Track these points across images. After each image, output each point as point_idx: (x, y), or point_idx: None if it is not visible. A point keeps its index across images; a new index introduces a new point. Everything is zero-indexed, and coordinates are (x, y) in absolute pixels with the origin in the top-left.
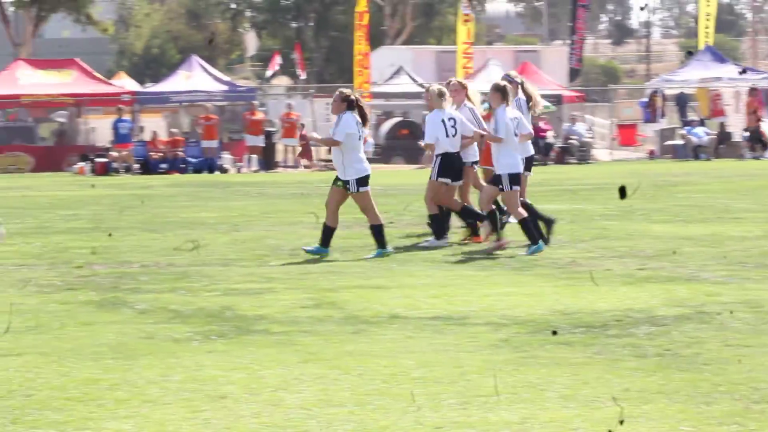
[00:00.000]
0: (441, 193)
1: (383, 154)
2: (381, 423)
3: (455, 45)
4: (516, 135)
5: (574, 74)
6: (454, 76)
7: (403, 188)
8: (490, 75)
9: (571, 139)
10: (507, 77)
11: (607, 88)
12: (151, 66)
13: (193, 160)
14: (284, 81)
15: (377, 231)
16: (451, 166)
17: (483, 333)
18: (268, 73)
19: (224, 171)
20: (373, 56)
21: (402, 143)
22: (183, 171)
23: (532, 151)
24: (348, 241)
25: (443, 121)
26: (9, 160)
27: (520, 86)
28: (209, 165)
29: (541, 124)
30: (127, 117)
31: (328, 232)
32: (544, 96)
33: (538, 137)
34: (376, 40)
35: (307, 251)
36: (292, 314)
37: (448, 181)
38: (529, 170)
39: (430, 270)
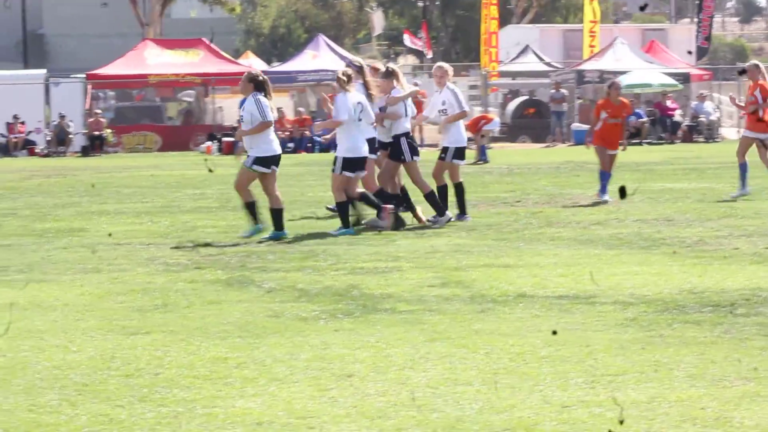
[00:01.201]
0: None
1: (509, 132)
2: (508, 402)
3: (582, 24)
4: (360, 120)
5: (701, 53)
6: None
7: (530, 167)
8: (616, 53)
9: (699, 117)
10: (348, 62)
11: (734, 66)
12: (278, 45)
13: (320, 139)
14: (410, 60)
15: (276, 213)
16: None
17: (610, 312)
18: (429, 54)
19: None
20: (499, 35)
21: (528, 122)
22: (310, 150)
23: (374, 134)
24: (475, 220)
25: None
26: (137, 140)
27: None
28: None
29: (669, 103)
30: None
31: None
32: (671, 74)
33: (665, 115)
34: (502, 18)
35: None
36: (419, 293)
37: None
38: (375, 153)
39: (557, 249)
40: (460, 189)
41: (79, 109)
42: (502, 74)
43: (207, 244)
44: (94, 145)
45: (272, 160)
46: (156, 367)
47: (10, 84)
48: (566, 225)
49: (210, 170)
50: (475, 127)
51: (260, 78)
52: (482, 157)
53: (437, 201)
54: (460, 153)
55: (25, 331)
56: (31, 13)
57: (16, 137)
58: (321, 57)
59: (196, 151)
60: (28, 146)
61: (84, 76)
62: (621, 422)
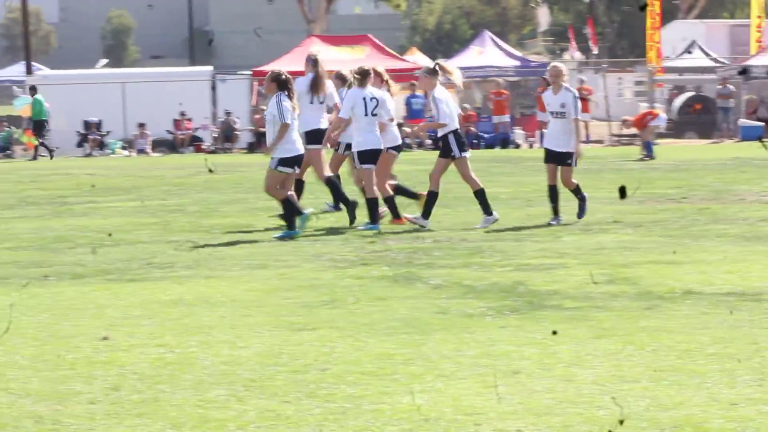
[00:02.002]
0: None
1: (676, 128)
2: (675, 399)
3: (749, 19)
4: (375, 115)
5: None
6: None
7: (696, 163)
8: None
9: None
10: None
11: None
12: (443, 41)
13: (486, 135)
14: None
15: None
16: None
17: None
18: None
19: (516, 146)
20: (665, 31)
21: (695, 118)
22: (475, 146)
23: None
24: (641, 216)
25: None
26: None
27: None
28: (502, 140)
29: None
30: (420, 93)
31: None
32: None
33: None
34: (668, 14)
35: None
36: (585, 290)
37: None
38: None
39: (723, 246)
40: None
41: (245, 105)
42: (668, 70)
43: (373, 241)
44: (260, 142)
45: (296, 160)
46: (323, 363)
47: (177, 81)
48: (733, 222)
49: (210, 170)
50: (641, 122)
51: (283, 77)
52: (648, 153)
53: (486, 200)
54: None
55: (193, 327)
56: (198, 10)
57: (183, 134)
58: (486, 53)
59: None
60: (194, 143)
61: (250, 72)
62: (621, 422)
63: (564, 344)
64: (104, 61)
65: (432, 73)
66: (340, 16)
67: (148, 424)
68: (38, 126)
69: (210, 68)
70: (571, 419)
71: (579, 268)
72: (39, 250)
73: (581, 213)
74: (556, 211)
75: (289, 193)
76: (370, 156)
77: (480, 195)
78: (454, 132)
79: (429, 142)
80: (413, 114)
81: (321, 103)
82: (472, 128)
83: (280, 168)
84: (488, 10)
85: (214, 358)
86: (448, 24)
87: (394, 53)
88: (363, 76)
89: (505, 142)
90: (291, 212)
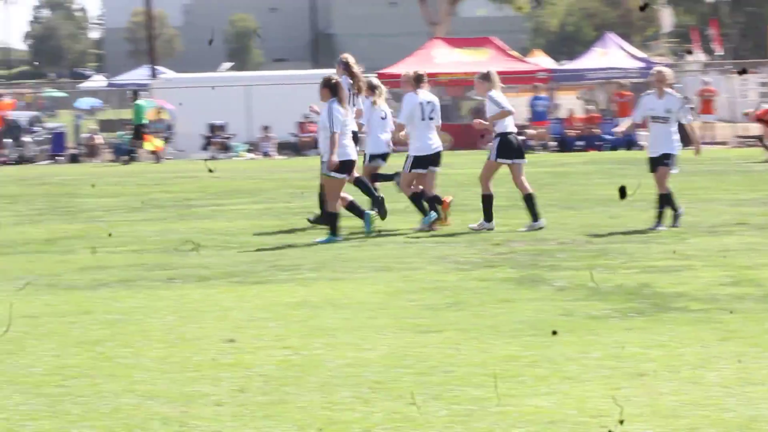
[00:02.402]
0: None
1: None
2: None
3: None
4: (432, 119)
5: None
6: None
7: None
8: None
9: None
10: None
11: None
12: (566, 43)
13: (609, 137)
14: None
15: (332, 218)
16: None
17: None
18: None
19: (641, 148)
20: None
21: None
22: (599, 148)
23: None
24: (767, 218)
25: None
26: None
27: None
28: (626, 142)
29: None
30: (543, 95)
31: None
32: None
33: None
34: None
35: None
36: (711, 291)
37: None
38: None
39: None
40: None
41: None
42: None
43: (498, 243)
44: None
45: (347, 165)
46: (448, 365)
47: (301, 84)
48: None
49: (210, 170)
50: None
51: (334, 82)
52: None
53: (490, 208)
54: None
55: (318, 329)
56: (321, 14)
57: (306, 136)
58: (610, 55)
59: (486, 150)
60: (317, 145)
61: (374, 75)
62: (621, 422)
63: (689, 346)
64: (228, 64)
65: (486, 78)
66: (462, 18)
67: (274, 425)
68: (139, 130)
69: (333, 71)
70: (697, 422)
71: (705, 270)
72: (164, 252)
73: (658, 224)
74: (672, 215)
75: (350, 198)
76: (423, 162)
77: (487, 201)
78: (502, 135)
79: (553, 144)
80: (537, 116)
81: (353, 106)
82: (596, 130)
83: (332, 174)
84: (611, 11)
85: (340, 360)
86: (571, 26)
87: (517, 55)
88: (418, 80)
89: (630, 143)
90: (333, 221)
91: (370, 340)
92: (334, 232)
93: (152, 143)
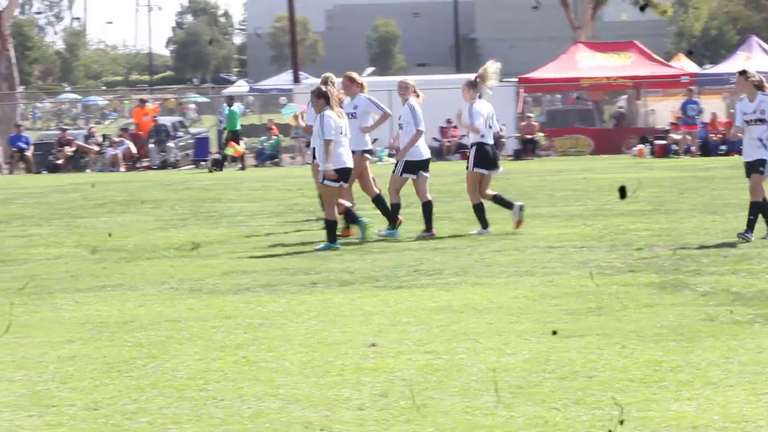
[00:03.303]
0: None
1: None
2: None
3: None
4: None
5: None
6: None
7: None
8: None
9: None
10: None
11: None
12: (710, 47)
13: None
14: None
15: (331, 226)
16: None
17: None
18: None
19: None
20: None
21: None
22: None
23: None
24: None
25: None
26: (569, 143)
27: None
28: None
29: None
30: (696, 98)
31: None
32: None
33: None
34: None
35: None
36: None
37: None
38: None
39: None
40: None
41: (511, 112)
42: None
43: (640, 248)
44: (527, 149)
45: (342, 173)
46: (590, 370)
47: (442, 88)
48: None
49: (210, 170)
50: None
51: (325, 91)
52: None
53: (483, 215)
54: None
55: (461, 334)
56: (463, 18)
57: (449, 141)
58: (754, 59)
59: (628, 154)
60: (460, 150)
61: (515, 79)
62: (621, 422)
63: None
64: (371, 69)
65: (472, 86)
66: (606, 23)
67: (417, 430)
68: (234, 136)
69: (472, 75)
70: None
71: None
72: (307, 257)
73: (746, 232)
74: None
75: (348, 204)
76: (414, 167)
77: (478, 210)
78: (479, 145)
79: (694, 149)
80: (688, 120)
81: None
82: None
83: (327, 182)
84: (755, 15)
85: (482, 364)
86: (714, 30)
87: (661, 59)
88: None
89: None
90: (331, 228)
91: (512, 345)
92: (332, 239)
93: (233, 149)
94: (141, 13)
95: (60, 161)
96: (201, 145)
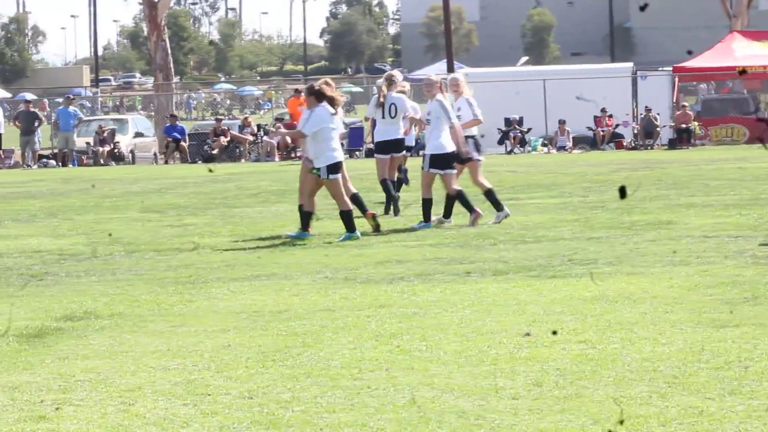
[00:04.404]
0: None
1: None
2: None
3: None
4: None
5: None
6: None
7: None
8: None
9: None
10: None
11: None
12: None
13: None
14: None
15: (346, 216)
16: None
17: None
18: None
19: None
20: None
21: None
22: None
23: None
24: None
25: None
26: (724, 132)
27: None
28: None
29: None
30: None
31: (305, 216)
32: None
33: None
34: None
35: (289, 236)
36: None
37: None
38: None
39: None
40: None
41: (666, 101)
42: None
43: None
44: (681, 138)
45: (337, 167)
46: (746, 360)
47: (597, 78)
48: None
49: (210, 170)
50: None
51: (316, 88)
52: None
53: (457, 203)
54: None
55: (615, 324)
56: (618, 7)
57: (603, 130)
58: None
59: None
60: (615, 139)
61: (670, 69)
62: (621, 422)
63: None
64: (525, 58)
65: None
66: (762, 11)
67: (570, 419)
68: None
69: (630, 65)
70: None
71: None
72: (461, 246)
73: None
74: None
75: (354, 191)
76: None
77: (489, 195)
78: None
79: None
80: None
81: (392, 117)
82: None
83: (330, 176)
84: None
85: (636, 354)
86: None
87: None
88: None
89: None
90: (347, 218)
91: (667, 335)
92: (350, 229)
93: None
94: (296, 3)
95: (215, 151)
96: (355, 134)
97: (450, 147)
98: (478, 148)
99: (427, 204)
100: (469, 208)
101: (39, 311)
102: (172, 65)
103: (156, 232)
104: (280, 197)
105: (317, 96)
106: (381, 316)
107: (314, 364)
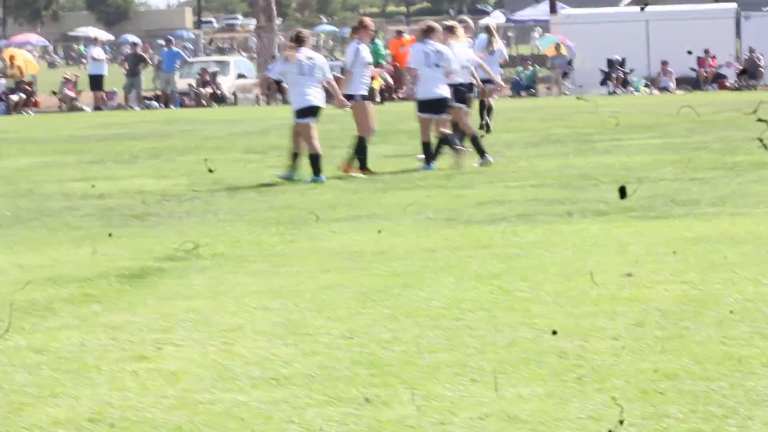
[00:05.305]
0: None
1: None
2: None
3: None
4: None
5: None
6: None
7: None
8: None
9: None
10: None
11: None
12: None
13: None
14: None
15: (314, 160)
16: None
17: None
18: None
19: None
20: None
21: None
22: None
23: None
24: None
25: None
26: None
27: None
28: None
29: None
30: None
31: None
32: None
33: None
34: None
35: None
36: None
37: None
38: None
39: None
40: None
41: None
42: None
43: None
44: None
45: (311, 111)
46: None
47: (700, 19)
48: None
49: (210, 170)
50: None
51: (296, 34)
52: None
53: (434, 150)
54: None
55: (717, 264)
56: None
57: (706, 71)
58: None
59: None
60: (718, 80)
61: None
62: (621, 422)
63: None
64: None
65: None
66: None
67: (672, 360)
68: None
69: (734, 5)
70: None
71: None
72: (563, 187)
73: None
74: None
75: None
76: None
77: (474, 141)
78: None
79: None
80: None
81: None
82: None
83: (298, 120)
84: None
85: (738, 295)
86: None
87: None
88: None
89: None
90: (314, 162)
91: None
92: (316, 172)
93: (378, 81)
94: None
95: None
96: None
97: (442, 92)
98: (465, 96)
99: (426, 146)
100: (456, 149)
101: (141, 251)
102: (274, 6)
103: (258, 173)
104: (382, 138)
105: (297, 41)
106: (482, 257)
107: (415, 305)
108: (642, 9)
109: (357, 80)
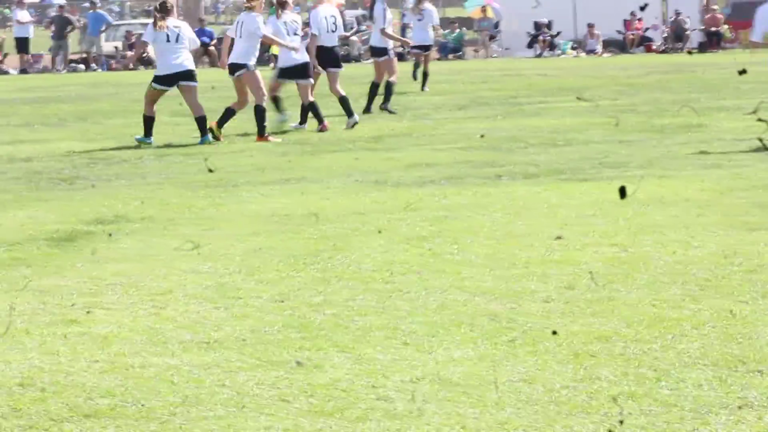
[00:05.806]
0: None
1: None
2: None
3: None
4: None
5: None
6: None
7: None
8: None
9: None
10: None
11: None
12: None
13: None
14: None
15: (148, 121)
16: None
17: None
18: None
19: None
20: None
21: None
22: None
23: None
24: None
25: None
26: None
27: None
28: None
29: None
30: None
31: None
32: None
33: None
34: None
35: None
36: None
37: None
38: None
39: None
40: None
41: (695, 5)
42: None
43: None
44: (711, 41)
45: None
46: None
47: None
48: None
49: (210, 170)
50: None
51: (162, 5)
52: None
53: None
54: None
55: (646, 226)
56: None
57: (632, 34)
58: None
59: None
60: (645, 43)
61: None
62: (621, 422)
63: None
64: None
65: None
66: None
67: (603, 322)
68: None
69: None
70: None
71: None
72: (491, 150)
73: None
74: None
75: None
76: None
77: (343, 102)
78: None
79: None
80: None
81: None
82: None
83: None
84: None
85: (668, 257)
86: None
87: None
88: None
89: None
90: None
91: (699, 238)
92: (148, 133)
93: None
94: None
95: None
96: None
97: (301, 59)
98: (335, 60)
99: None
100: (320, 119)
101: (69, 215)
102: None
103: (185, 135)
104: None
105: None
106: (411, 220)
107: (345, 268)
108: (642, 9)
109: (247, 50)
